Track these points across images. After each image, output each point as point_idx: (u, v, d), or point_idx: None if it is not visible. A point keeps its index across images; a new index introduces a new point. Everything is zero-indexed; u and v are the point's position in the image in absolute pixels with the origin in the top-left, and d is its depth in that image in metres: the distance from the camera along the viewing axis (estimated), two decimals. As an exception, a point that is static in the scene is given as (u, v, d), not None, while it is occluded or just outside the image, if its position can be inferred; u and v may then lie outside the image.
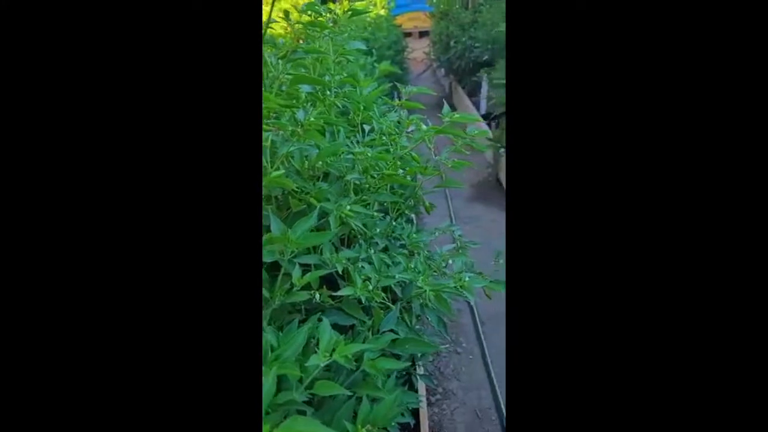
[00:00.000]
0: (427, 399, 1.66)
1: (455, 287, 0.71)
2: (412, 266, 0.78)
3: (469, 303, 2.09)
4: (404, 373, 1.17)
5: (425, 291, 0.74)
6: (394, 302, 0.84)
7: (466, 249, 1.03)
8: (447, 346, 1.90)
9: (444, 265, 0.81)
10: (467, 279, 0.71)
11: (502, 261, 0.99)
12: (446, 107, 0.90)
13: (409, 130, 0.84)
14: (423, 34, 6.68)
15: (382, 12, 4.67)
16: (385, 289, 0.90)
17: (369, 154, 0.81)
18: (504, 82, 2.54)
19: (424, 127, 0.85)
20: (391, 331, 0.77)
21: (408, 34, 7.16)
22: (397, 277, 0.78)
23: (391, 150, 0.93)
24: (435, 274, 0.81)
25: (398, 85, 1.04)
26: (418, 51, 5.24)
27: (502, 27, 2.56)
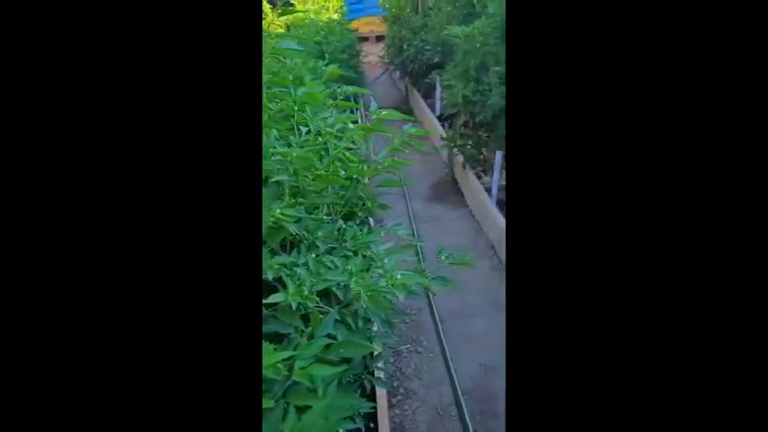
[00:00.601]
0: (389, 401, 1.65)
1: (387, 286, 0.71)
2: (349, 268, 0.76)
3: (429, 301, 2.10)
4: (359, 377, 1.15)
5: (360, 292, 0.72)
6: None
7: (410, 248, 1.03)
8: (408, 346, 1.91)
9: (380, 264, 0.80)
10: (399, 277, 0.71)
11: (444, 257, 0.99)
12: (373, 104, 0.89)
13: (336, 129, 0.83)
14: (379, 38, 6.74)
15: (335, 16, 4.66)
16: (326, 294, 0.88)
17: (294, 154, 0.79)
18: (452, 83, 2.60)
19: (351, 126, 0.85)
20: (329, 335, 0.75)
21: (364, 39, 7.18)
22: (332, 280, 0.76)
23: (329, 151, 0.91)
24: (375, 275, 0.81)
25: (340, 87, 1.03)
26: (375, 55, 5.27)
27: (448, 30, 2.62)
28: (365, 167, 0.95)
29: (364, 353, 0.76)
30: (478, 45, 2.40)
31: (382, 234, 1.12)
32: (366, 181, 1.17)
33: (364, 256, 0.90)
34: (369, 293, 0.71)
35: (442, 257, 0.96)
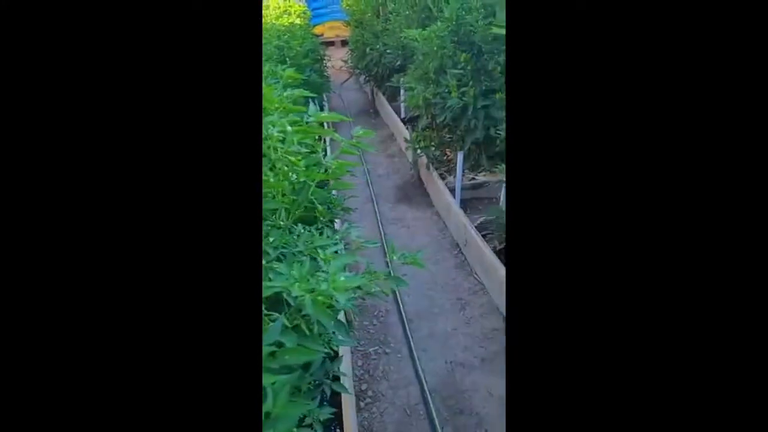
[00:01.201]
0: (357, 404, 1.64)
1: (327, 290, 0.71)
2: (293, 273, 0.76)
3: (397, 302, 2.11)
4: (319, 383, 1.14)
5: (305, 297, 0.72)
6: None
7: (361, 249, 1.04)
8: (376, 347, 1.91)
9: (326, 268, 0.80)
10: (342, 280, 0.71)
11: (397, 258, 1.00)
12: (312, 106, 0.90)
13: (271, 131, 0.83)
14: (345, 42, 6.75)
15: (298, 21, 4.63)
16: (279, 301, 0.87)
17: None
18: (413, 86, 2.64)
19: (289, 128, 0.85)
20: (278, 342, 0.74)
21: (330, 43, 7.16)
22: (276, 286, 0.75)
23: (273, 155, 0.91)
24: (321, 279, 0.80)
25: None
26: (340, 59, 5.27)
27: (405, 33, 2.66)
28: (314, 171, 0.95)
29: (311, 359, 0.75)
30: (435, 48, 2.44)
31: (338, 237, 1.12)
32: (331, 184, 1.16)
33: (314, 260, 0.90)
34: (312, 298, 0.71)
35: (395, 258, 0.97)
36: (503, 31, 1.77)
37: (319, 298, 0.70)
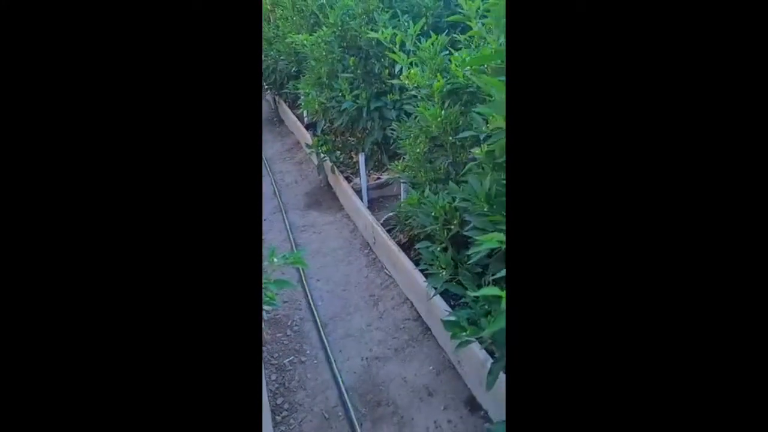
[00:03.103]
0: (273, 419, 1.59)
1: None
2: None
3: (310, 308, 2.09)
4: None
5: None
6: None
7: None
8: (291, 358, 1.87)
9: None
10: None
11: (277, 260, 1.00)
12: None
13: None
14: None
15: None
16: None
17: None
18: (308, 91, 2.64)
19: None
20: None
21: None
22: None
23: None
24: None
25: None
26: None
27: (291, 39, 2.65)
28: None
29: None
30: (324, 53, 2.48)
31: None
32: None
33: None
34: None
35: (275, 260, 0.97)
36: (381, 36, 1.86)
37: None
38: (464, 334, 1.14)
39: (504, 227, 0.84)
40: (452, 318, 1.23)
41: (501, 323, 0.75)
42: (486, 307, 1.14)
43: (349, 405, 1.61)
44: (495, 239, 0.77)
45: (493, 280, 0.89)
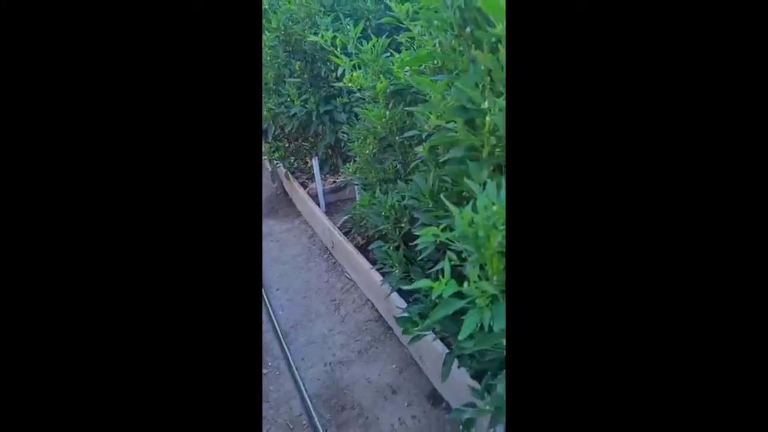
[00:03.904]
0: (235, 437, 1.54)
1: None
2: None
3: (270, 319, 2.05)
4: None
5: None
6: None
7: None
8: (252, 372, 1.82)
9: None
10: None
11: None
12: None
13: None
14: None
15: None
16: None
17: None
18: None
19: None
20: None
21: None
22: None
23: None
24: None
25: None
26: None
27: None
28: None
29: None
30: (269, 58, 2.44)
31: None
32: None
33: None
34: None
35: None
36: (321, 39, 1.86)
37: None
38: (416, 329, 1.16)
39: (445, 222, 0.86)
40: (405, 314, 1.25)
41: (441, 313, 0.78)
42: (435, 300, 1.16)
43: (313, 412, 1.59)
44: (431, 233, 0.79)
45: (434, 272, 0.92)
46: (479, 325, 0.69)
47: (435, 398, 1.61)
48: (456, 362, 1.22)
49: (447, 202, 0.77)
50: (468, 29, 0.99)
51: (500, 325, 0.67)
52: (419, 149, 1.38)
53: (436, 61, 1.30)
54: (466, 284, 0.72)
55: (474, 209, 0.71)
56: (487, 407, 1.01)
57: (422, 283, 0.72)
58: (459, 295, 0.76)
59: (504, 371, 0.97)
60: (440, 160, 1.28)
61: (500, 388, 0.98)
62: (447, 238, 0.79)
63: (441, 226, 0.79)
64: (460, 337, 0.71)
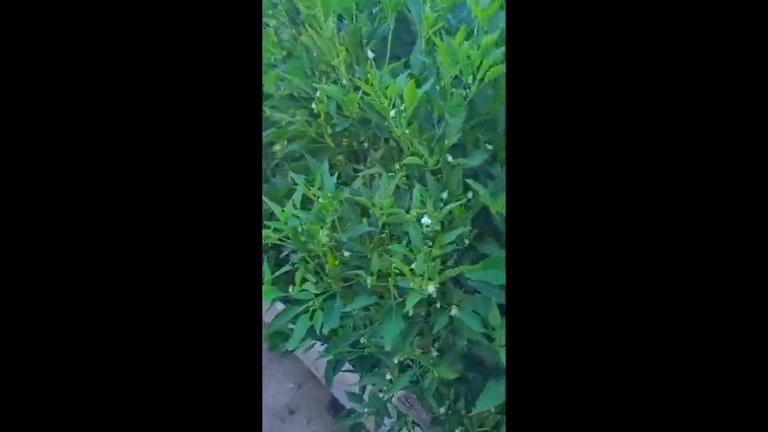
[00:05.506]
0: None
1: None
2: None
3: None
4: None
5: None
6: None
7: None
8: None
9: None
10: None
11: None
12: None
13: None
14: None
15: None
16: None
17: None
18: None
19: None
20: None
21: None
22: None
23: None
24: None
25: None
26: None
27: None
28: None
29: None
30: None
31: None
32: None
33: None
34: None
35: None
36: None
37: None
38: (285, 343, 1.07)
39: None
40: (273, 329, 1.16)
41: (278, 323, 0.72)
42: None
43: None
44: (273, 238, 0.72)
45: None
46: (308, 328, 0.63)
47: (336, 407, 1.53)
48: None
49: (267, 200, 0.70)
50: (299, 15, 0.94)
51: (331, 325, 0.62)
52: (277, 147, 1.29)
53: (280, 54, 1.24)
54: (291, 288, 0.65)
55: (298, 205, 0.66)
56: (366, 410, 0.96)
57: (267, 291, 0.65)
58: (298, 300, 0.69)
59: (375, 369, 0.94)
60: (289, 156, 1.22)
61: (374, 388, 0.95)
62: (278, 239, 0.71)
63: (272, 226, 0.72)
64: (290, 348, 0.65)
